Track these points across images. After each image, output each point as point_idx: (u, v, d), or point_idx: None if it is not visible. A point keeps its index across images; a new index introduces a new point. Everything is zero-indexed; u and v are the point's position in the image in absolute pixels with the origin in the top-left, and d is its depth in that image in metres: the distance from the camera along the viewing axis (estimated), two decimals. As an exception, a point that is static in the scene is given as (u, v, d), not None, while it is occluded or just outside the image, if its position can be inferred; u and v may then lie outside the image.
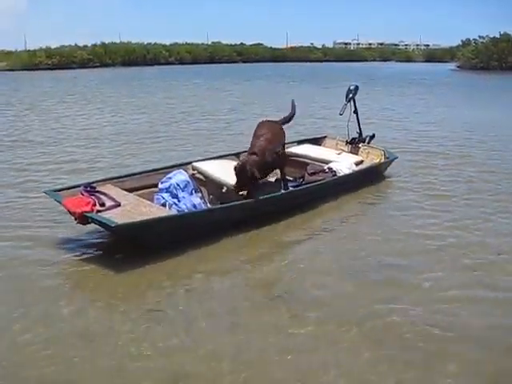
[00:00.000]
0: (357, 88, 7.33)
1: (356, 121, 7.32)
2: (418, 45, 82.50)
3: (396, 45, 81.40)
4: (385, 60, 59.64)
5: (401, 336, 3.25)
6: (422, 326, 3.36)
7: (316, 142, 7.47)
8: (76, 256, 4.44)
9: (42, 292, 3.82)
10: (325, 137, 7.66)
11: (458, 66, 45.06)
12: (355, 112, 7.30)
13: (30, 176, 7.02)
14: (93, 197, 4.76)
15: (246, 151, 6.66)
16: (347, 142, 7.23)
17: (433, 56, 61.43)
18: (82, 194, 4.82)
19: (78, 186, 5.04)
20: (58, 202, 4.82)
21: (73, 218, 4.58)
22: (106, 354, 3.05)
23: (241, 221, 5.00)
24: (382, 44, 78.51)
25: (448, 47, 62.33)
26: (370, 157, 6.96)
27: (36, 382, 2.83)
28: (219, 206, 5.16)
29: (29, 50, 43.96)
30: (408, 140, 9.81)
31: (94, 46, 45.97)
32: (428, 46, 78.43)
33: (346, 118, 7.21)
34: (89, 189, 4.93)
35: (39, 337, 3.21)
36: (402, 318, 3.45)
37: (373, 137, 7.30)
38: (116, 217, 4.37)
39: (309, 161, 6.60)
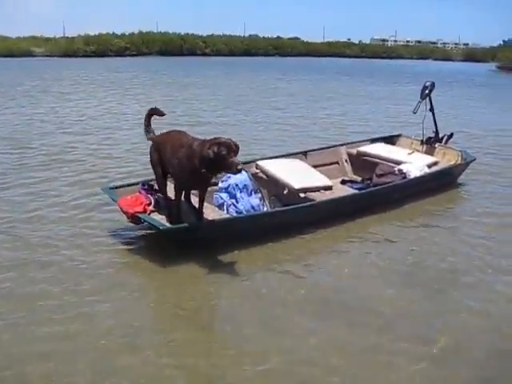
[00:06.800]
0: (433, 85, 6.89)
1: (432, 119, 6.94)
2: (456, 44, 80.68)
3: (434, 43, 79.74)
4: (422, 58, 58.13)
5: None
6: None
7: (390, 140, 7.14)
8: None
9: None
10: (399, 135, 7.33)
11: (498, 67, 43.63)
12: (431, 110, 6.92)
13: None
14: (149, 195, 4.62)
15: (314, 150, 6.60)
16: (422, 142, 6.90)
17: (472, 55, 59.57)
18: (140, 192, 4.68)
19: (137, 183, 4.90)
20: (113, 200, 4.70)
21: (125, 216, 4.53)
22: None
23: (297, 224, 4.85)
24: (419, 42, 77.16)
25: (488, 47, 60.69)
26: (447, 158, 6.62)
27: None
28: (268, 210, 5.06)
29: (67, 37, 44.29)
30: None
31: (132, 34, 46.06)
32: (467, 44, 76.63)
33: (421, 117, 6.85)
34: (146, 187, 4.76)
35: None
36: None
37: (451, 136, 6.93)
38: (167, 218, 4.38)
39: (379, 161, 6.30)
